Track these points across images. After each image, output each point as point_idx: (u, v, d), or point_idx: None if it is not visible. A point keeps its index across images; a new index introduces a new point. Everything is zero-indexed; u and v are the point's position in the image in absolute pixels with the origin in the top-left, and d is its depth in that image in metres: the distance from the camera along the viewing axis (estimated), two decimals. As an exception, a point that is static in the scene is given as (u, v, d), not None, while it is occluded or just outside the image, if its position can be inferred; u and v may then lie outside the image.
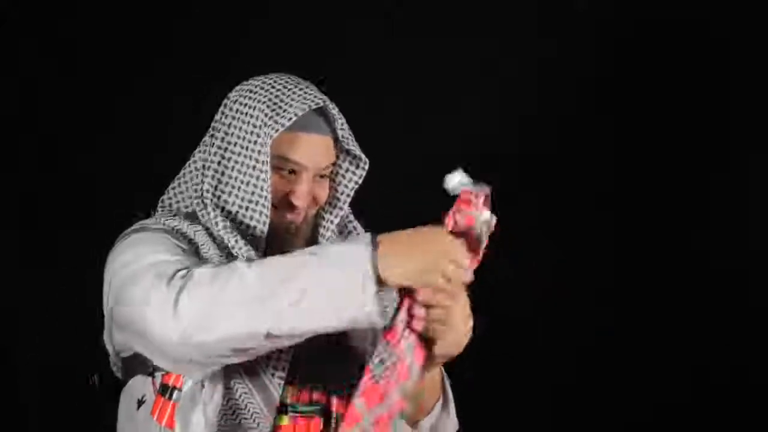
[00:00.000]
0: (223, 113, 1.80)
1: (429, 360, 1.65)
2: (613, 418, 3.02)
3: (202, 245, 1.73)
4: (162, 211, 1.87)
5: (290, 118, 1.73)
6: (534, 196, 3.06)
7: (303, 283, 1.52)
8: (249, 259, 1.64)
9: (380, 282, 1.52)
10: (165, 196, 1.89)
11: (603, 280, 3.02)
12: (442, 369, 1.81)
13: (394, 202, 2.80)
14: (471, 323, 1.66)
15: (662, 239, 3.05)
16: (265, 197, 1.73)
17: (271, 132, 1.73)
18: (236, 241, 1.72)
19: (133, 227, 1.78)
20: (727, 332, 3.00)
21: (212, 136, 1.81)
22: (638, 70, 3.06)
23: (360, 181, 1.86)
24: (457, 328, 1.64)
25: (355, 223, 1.93)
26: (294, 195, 1.76)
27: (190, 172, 1.86)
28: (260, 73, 1.83)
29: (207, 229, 1.77)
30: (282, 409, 1.72)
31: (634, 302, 3.04)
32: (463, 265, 1.55)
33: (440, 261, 1.54)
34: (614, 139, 3.07)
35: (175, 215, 1.80)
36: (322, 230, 1.84)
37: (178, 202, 1.88)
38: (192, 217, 1.80)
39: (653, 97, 3.05)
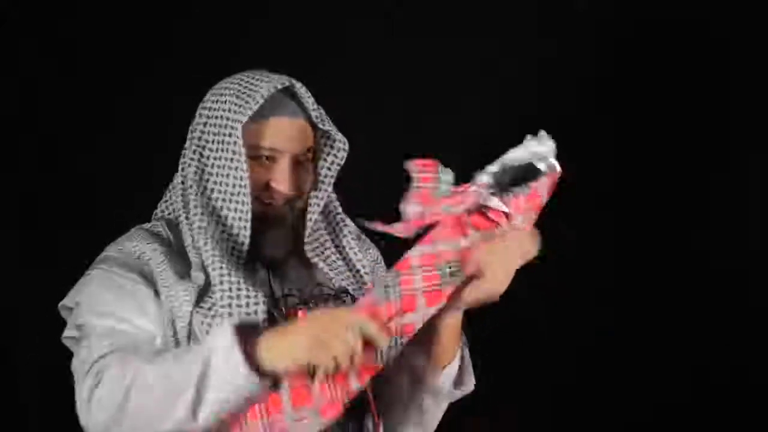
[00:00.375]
0: (198, 114, 1.84)
1: (455, 300, 1.67)
2: (613, 418, 3.02)
3: (157, 266, 1.77)
4: (153, 220, 1.91)
5: (257, 102, 1.75)
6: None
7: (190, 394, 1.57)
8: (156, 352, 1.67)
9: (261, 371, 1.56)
10: (158, 209, 1.93)
11: (603, 280, 3.03)
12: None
13: (393, 202, 2.80)
14: (512, 272, 1.67)
15: (662, 239, 3.05)
16: (245, 186, 1.76)
17: (240, 118, 1.75)
18: (205, 243, 1.76)
19: (101, 255, 1.82)
20: (727, 332, 3.00)
21: (190, 139, 1.84)
22: (638, 69, 3.05)
23: (342, 163, 1.87)
24: (494, 277, 1.66)
25: (343, 215, 1.94)
26: (275, 181, 1.78)
27: (177, 180, 1.88)
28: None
29: (178, 240, 1.81)
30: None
31: (634, 302, 3.04)
32: (351, 342, 1.56)
33: (331, 339, 1.55)
34: (614, 138, 3.07)
35: (156, 228, 1.85)
36: (309, 215, 1.85)
37: (163, 211, 1.91)
38: (173, 226, 1.84)
39: (653, 97, 3.05)
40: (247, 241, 1.77)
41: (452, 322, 1.75)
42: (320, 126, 1.82)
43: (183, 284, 1.75)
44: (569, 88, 3.04)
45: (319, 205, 1.86)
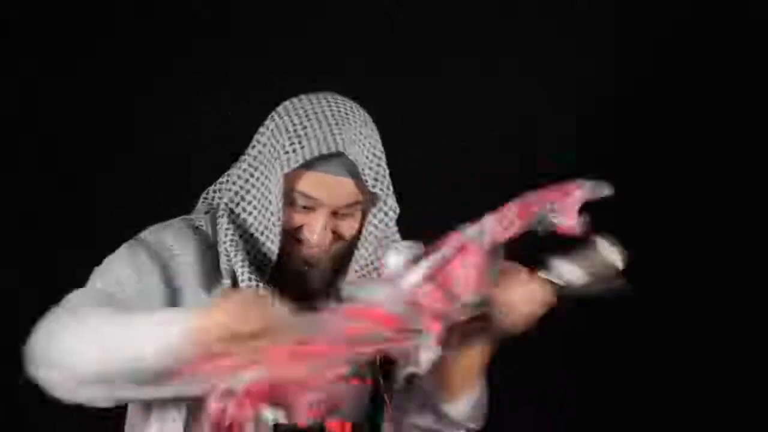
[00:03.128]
0: (265, 126, 1.75)
1: (466, 337, 1.65)
2: (612, 417, 3.03)
3: (191, 265, 1.71)
4: (203, 202, 1.83)
5: (298, 161, 1.66)
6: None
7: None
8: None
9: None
10: (212, 188, 1.84)
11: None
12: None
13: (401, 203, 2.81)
14: (537, 302, 1.63)
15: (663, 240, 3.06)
16: (276, 228, 1.68)
17: (283, 168, 1.67)
18: (237, 255, 1.71)
19: (135, 236, 1.76)
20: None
21: (253, 147, 1.76)
22: (638, 68, 3.06)
23: (390, 224, 1.77)
24: (513, 312, 1.63)
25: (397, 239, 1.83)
26: (308, 228, 1.69)
27: (236, 172, 1.79)
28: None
29: (212, 237, 1.75)
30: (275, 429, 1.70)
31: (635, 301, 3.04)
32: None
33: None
34: (614, 137, 3.07)
35: (199, 222, 1.77)
36: (353, 264, 1.74)
37: (213, 195, 1.83)
38: (215, 219, 1.77)
39: (653, 96, 3.06)
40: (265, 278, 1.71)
41: (467, 362, 1.72)
42: (370, 188, 1.70)
43: (208, 292, 1.70)
44: (569, 87, 3.04)
45: (362, 256, 1.74)
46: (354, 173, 1.68)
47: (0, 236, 2.83)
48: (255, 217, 1.72)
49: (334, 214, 1.69)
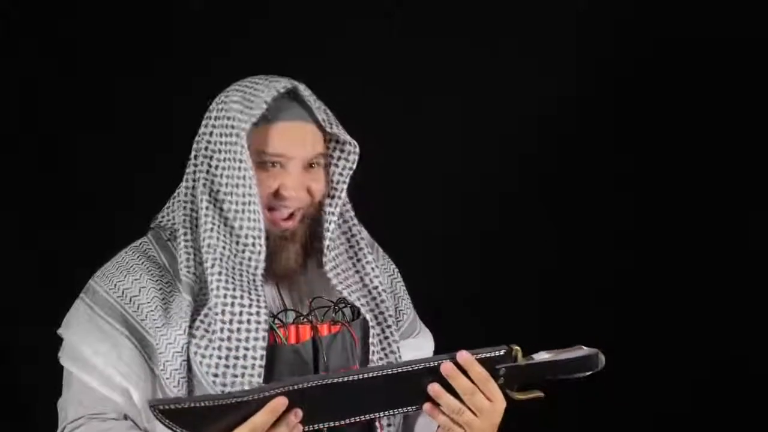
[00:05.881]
0: (204, 125, 1.80)
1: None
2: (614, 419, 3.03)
3: (148, 304, 1.76)
4: (151, 228, 1.88)
5: (261, 107, 1.72)
6: (534, 194, 3.06)
7: None
8: None
9: None
10: (159, 215, 1.88)
11: (603, 281, 3.04)
12: None
13: (393, 201, 2.81)
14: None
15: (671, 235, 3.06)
16: (254, 195, 1.72)
17: (244, 126, 1.72)
18: (212, 265, 1.73)
19: (89, 283, 1.81)
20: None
21: (196, 150, 1.80)
22: (638, 68, 3.06)
23: (353, 167, 1.81)
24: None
25: (360, 227, 1.90)
26: (284, 187, 1.74)
27: (181, 192, 1.84)
28: (259, 73, 1.83)
29: (170, 258, 1.80)
30: None
31: (635, 300, 3.05)
32: None
33: None
34: (613, 136, 3.07)
35: (149, 251, 1.82)
36: (325, 224, 1.80)
37: (161, 221, 1.87)
38: (165, 242, 1.82)
39: (655, 96, 3.06)
40: (263, 254, 1.73)
41: None
42: (328, 129, 1.76)
43: (174, 319, 1.73)
44: (569, 86, 3.05)
45: (334, 214, 1.80)
46: (310, 120, 1.75)
47: (0, 236, 2.83)
48: (234, 201, 1.75)
49: (303, 169, 1.74)
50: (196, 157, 1.80)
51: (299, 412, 1.55)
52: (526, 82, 3.00)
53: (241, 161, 1.72)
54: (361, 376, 1.58)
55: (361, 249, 1.87)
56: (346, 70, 2.91)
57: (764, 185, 3.02)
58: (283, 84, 1.75)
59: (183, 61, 2.89)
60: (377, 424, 1.77)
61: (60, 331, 1.82)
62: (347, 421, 1.61)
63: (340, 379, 1.58)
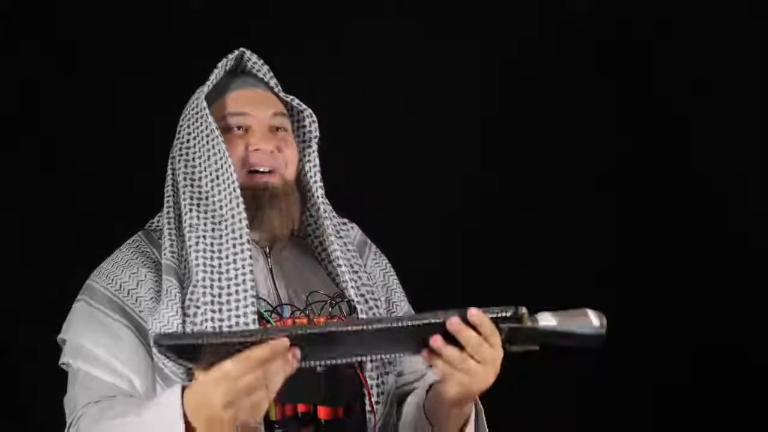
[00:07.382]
0: (180, 125, 1.90)
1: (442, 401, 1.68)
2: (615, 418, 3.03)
3: (145, 294, 1.80)
4: (145, 229, 1.92)
5: (216, 75, 1.86)
6: (534, 194, 3.06)
7: None
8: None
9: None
10: (151, 220, 1.94)
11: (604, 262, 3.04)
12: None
13: (392, 200, 2.81)
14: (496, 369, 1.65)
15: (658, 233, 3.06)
16: (226, 160, 1.79)
17: (204, 91, 1.84)
18: (197, 242, 1.78)
19: (87, 283, 1.84)
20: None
21: (173, 155, 1.88)
22: (638, 67, 3.07)
23: (316, 134, 1.91)
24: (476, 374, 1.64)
25: (347, 225, 1.96)
26: (252, 144, 1.83)
27: (167, 190, 1.90)
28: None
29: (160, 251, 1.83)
30: (269, 426, 1.73)
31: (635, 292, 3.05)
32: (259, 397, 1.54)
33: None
34: (613, 136, 3.08)
35: (142, 247, 1.86)
36: (313, 190, 1.89)
37: (159, 225, 1.91)
38: (156, 239, 1.86)
39: (655, 95, 3.07)
40: (244, 220, 1.78)
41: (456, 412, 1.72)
42: (281, 96, 1.88)
43: (164, 302, 1.76)
44: (569, 86, 3.05)
45: (315, 176, 1.89)
46: (263, 86, 1.90)
47: (0, 235, 2.83)
48: (209, 174, 1.81)
49: (270, 132, 1.85)
50: (172, 161, 1.88)
51: (297, 352, 1.55)
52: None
53: (208, 134, 1.82)
54: (366, 327, 1.59)
55: (337, 248, 1.90)
56: (346, 70, 2.91)
57: None
58: (233, 52, 1.90)
59: (183, 61, 2.89)
60: (365, 391, 1.79)
61: (60, 336, 1.84)
62: (343, 361, 1.63)
63: (346, 328, 1.59)
